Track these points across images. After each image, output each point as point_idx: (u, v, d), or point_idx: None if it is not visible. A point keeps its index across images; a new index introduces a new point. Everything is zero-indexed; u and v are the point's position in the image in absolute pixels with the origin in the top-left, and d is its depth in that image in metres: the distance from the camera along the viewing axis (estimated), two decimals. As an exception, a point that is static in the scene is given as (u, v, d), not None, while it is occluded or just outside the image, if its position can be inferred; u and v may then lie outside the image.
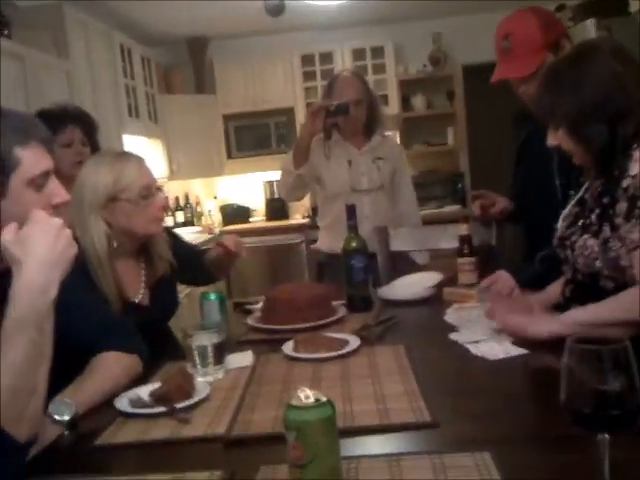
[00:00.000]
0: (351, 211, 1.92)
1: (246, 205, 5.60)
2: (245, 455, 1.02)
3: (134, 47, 4.58)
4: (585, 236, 1.27)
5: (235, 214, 5.56)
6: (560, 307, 1.47)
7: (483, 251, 2.18)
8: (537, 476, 0.87)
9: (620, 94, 1.24)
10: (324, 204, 2.73)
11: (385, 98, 5.27)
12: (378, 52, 5.28)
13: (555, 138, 1.33)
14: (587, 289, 1.31)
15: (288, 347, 1.53)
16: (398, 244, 2.38)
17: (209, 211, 5.70)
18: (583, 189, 1.39)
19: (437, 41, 5.36)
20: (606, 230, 1.23)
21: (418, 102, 5.41)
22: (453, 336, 1.54)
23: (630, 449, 0.85)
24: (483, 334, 1.52)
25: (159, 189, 1.76)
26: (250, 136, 5.45)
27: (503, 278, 1.79)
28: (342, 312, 1.83)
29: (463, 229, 2.05)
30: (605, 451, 0.78)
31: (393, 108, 5.30)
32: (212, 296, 1.73)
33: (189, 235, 4.83)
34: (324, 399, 0.86)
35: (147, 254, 1.77)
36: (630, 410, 0.77)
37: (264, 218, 5.54)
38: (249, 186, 5.65)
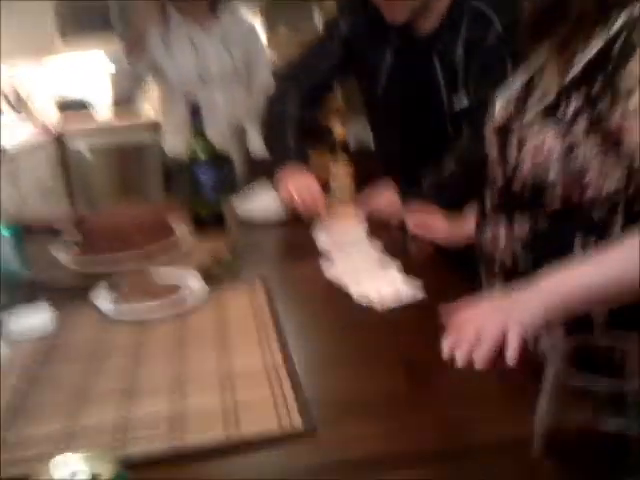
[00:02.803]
0: (195, 109, 1.46)
1: (87, 99, 4.83)
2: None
3: None
4: (545, 134, 0.88)
5: (75, 109, 4.78)
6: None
7: (361, 156, 1.82)
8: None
9: None
10: (167, 101, 2.23)
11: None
12: None
13: None
14: (522, 206, 0.94)
15: (104, 296, 1.11)
16: (259, 145, 1.96)
17: (44, 105, 4.87)
18: (534, 67, 0.97)
19: None
20: (578, 130, 0.85)
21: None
22: (326, 267, 1.19)
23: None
24: (364, 264, 1.18)
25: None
26: (87, 11, 4.60)
27: (386, 197, 1.44)
28: (189, 237, 1.41)
29: (336, 124, 1.67)
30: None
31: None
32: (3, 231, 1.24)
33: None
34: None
35: None
36: None
37: (110, 113, 4.81)
38: (88, 72, 4.82)
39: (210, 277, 1.20)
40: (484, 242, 1.02)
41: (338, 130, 1.66)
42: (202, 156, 1.46)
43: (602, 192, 0.86)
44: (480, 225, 1.03)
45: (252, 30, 2.32)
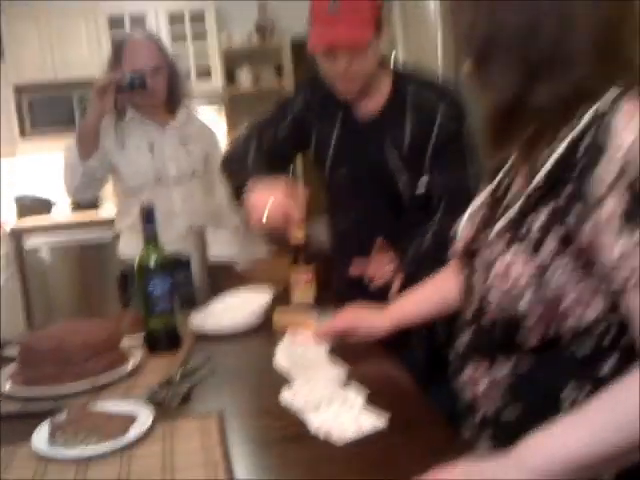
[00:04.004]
0: (149, 214, 1.41)
1: (46, 196, 4.76)
2: None
3: None
4: (511, 257, 0.77)
5: (33, 206, 4.70)
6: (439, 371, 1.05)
7: (320, 259, 1.78)
8: None
9: (556, 32, 0.75)
10: (122, 200, 2.18)
11: (207, 70, 4.74)
12: (198, 17, 4.70)
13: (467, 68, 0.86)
14: (496, 344, 0.83)
15: (42, 434, 1.02)
16: (218, 250, 1.91)
17: (1, 201, 4.78)
18: (502, 172, 0.91)
19: (263, 9, 4.90)
20: (547, 250, 0.74)
21: (243, 76, 4.93)
22: (285, 397, 1.11)
23: None
24: (324, 389, 1.11)
25: None
26: (48, 111, 4.62)
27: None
28: (137, 357, 1.33)
29: (298, 234, 1.63)
30: None
31: (216, 82, 4.77)
32: None
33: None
34: None
35: None
36: None
37: (69, 210, 4.73)
38: (48, 171, 4.80)
39: (159, 403, 1.13)
40: (461, 384, 0.90)
41: (298, 234, 1.62)
42: (153, 265, 1.40)
43: (583, 322, 0.75)
44: (456, 362, 0.92)
45: (211, 133, 2.32)
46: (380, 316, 1.27)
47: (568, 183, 0.73)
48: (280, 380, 1.19)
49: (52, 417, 1.04)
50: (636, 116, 0.70)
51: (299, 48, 5.09)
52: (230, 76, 4.90)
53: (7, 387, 1.23)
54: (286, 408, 1.07)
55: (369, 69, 1.51)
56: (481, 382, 0.86)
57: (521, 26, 0.76)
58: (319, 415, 1.02)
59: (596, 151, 0.71)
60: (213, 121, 4.55)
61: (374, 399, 1.06)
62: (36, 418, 1.07)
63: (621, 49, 0.76)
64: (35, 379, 1.23)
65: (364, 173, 1.60)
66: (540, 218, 0.76)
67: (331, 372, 1.19)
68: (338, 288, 1.72)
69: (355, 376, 1.16)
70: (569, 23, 0.75)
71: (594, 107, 0.74)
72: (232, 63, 4.91)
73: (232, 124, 4.89)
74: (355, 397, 1.07)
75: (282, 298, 1.64)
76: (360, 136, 1.59)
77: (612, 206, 0.69)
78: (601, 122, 0.72)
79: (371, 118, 1.59)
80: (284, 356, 1.30)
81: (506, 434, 0.77)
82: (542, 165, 0.77)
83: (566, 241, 0.74)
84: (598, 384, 0.73)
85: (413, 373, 1.21)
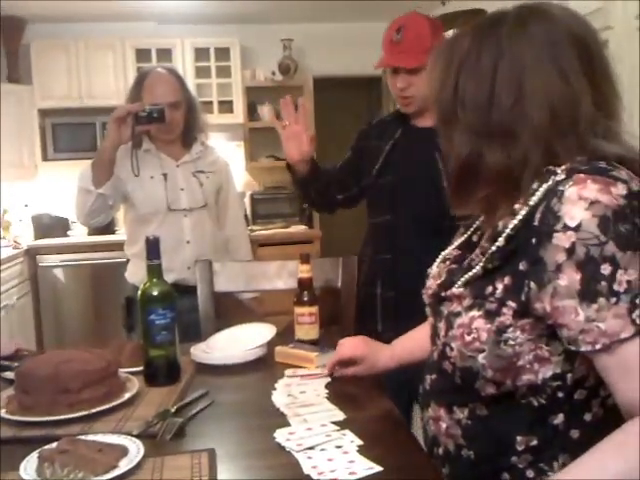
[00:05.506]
0: (154, 247, 1.41)
1: (64, 216, 4.82)
2: None
3: None
4: (473, 312, 0.81)
5: (50, 226, 4.76)
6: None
7: (327, 295, 1.77)
8: None
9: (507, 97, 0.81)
10: (133, 227, 2.20)
11: (230, 105, 4.82)
12: (223, 53, 4.80)
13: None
14: (456, 388, 0.88)
15: (30, 465, 1.00)
16: (224, 283, 1.91)
17: (20, 220, 4.85)
18: (473, 227, 0.96)
19: (288, 48, 4.99)
20: (507, 311, 0.78)
21: (265, 112, 4.99)
22: (280, 437, 1.08)
23: None
24: (321, 430, 1.09)
25: None
26: (71, 136, 4.70)
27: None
28: (134, 388, 1.31)
29: (303, 270, 1.62)
30: None
31: (238, 116, 4.85)
32: None
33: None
34: None
35: None
36: None
37: (86, 231, 4.79)
38: (68, 194, 4.85)
39: (152, 435, 1.11)
40: (427, 419, 0.94)
41: (303, 269, 1.62)
42: (156, 297, 1.39)
43: (538, 378, 0.79)
44: (423, 398, 0.96)
45: (225, 165, 2.34)
46: (385, 353, 1.29)
47: (527, 250, 0.77)
48: (276, 418, 1.16)
49: (42, 447, 1.02)
50: (587, 188, 0.74)
51: (320, 86, 5.16)
52: (252, 111, 4.98)
53: (1, 412, 1.21)
54: (280, 448, 1.05)
55: (425, 92, 1.69)
56: (443, 420, 0.90)
57: (479, 96, 0.84)
58: (313, 457, 0.99)
59: (552, 217, 0.75)
60: (232, 154, 4.60)
61: (369, 444, 1.03)
62: (28, 445, 1.06)
63: (578, 125, 0.80)
64: (30, 406, 1.21)
65: (412, 173, 1.76)
66: (503, 280, 0.80)
67: (328, 414, 1.17)
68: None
69: (351, 420, 1.14)
70: (521, 97, 0.81)
71: (552, 177, 0.79)
72: (254, 99, 4.99)
73: (251, 158, 4.95)
74: (350, 442, 1.04)
75: (286, 333, 1.62)
76: (412, 140, 1.80)
77: (564, 280, 0.73)
78: (556, 191, 0.76)
79: (426, 128, 1.76)
80: (283, 394, 1.27)
81: (462, 473, 0.82)
82: (503, 229, 0.82)
83: (525, 305, 0.78)
84: (551, 432, 0.79)
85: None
